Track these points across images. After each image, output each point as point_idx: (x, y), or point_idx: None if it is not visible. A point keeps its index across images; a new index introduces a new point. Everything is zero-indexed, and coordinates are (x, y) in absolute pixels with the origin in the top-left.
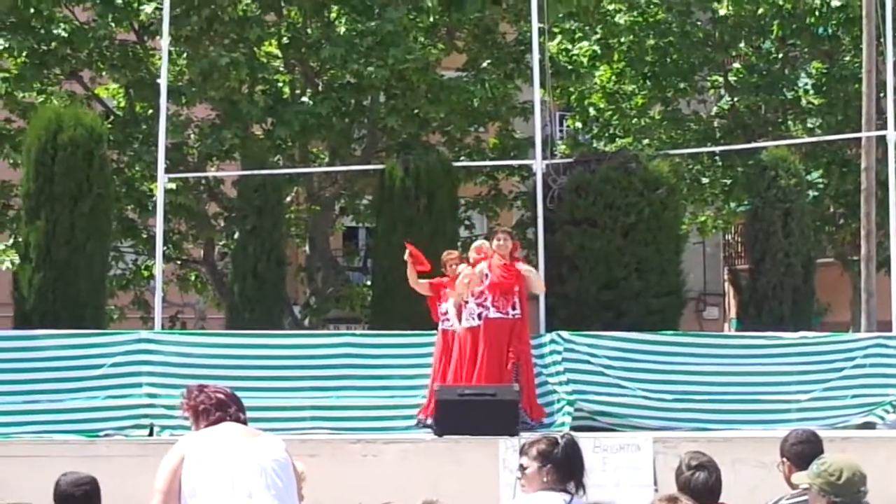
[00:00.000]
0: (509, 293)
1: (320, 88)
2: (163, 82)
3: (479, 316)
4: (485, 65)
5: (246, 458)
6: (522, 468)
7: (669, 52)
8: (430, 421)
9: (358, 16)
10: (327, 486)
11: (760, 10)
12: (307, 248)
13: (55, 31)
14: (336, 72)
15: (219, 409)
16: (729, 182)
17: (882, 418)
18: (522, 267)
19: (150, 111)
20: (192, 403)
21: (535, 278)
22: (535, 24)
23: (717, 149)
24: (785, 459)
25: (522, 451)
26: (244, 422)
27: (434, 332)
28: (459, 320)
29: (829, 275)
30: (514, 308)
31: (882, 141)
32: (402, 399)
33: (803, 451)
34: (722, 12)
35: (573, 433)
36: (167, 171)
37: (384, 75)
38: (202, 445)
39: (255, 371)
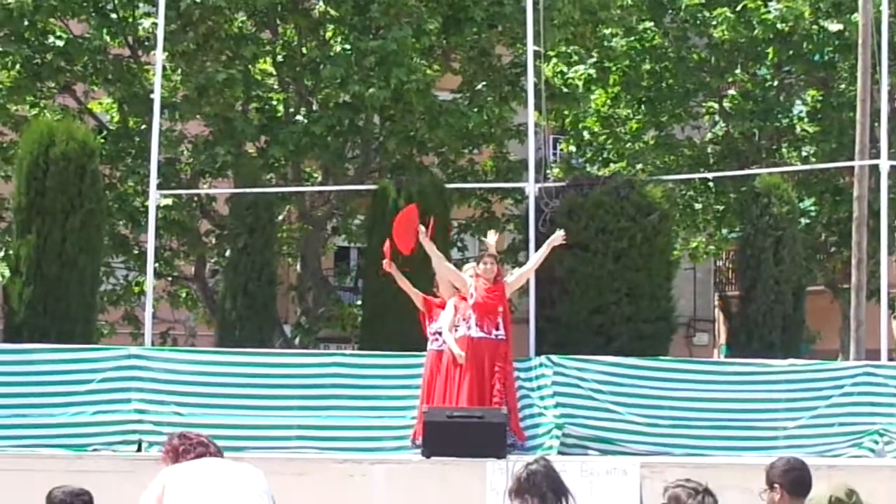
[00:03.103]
0: (493, 314)
1: (315, 108)
2: (156, 97)
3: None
4: (480, 87)
5: (228, 484)
6: None
7: (665, 77)
8: (419, 442)
9: (359, 34)
10: None
11: (756, 32)
12: (299, 267)
13: (50, 42)
14: (331, 91)
15: (199, 447)
16: (721, 208)
17: (872, 450)
18: (507, 280)
19: (144, 126)
20: (172, 447)
21: (520, 274)
22: (531, 47)
23: (711, 175)
24: (777, 486)
25: (507, 496)
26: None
27: (424, 353)
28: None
29: (820, 303)
30: (497, 329)
31: (875, 170)
32: (390, 420)
33: (798, 477)
34: (718, 36)
35: (545, 456)
36: (160, 186)
37: (384, 96)
38: (184, 475)
39: (245, 389)
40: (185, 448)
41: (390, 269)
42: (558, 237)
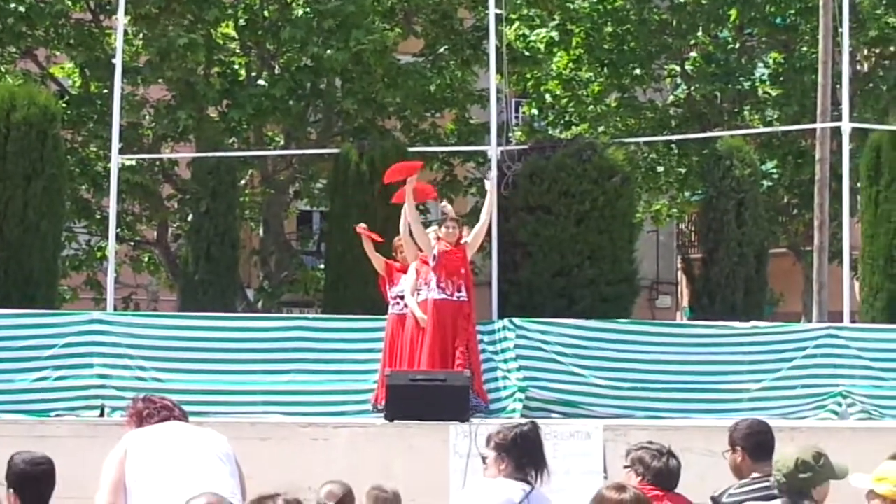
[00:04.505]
0: (455, 275)
1: (277, 71)
2: (118, 61)
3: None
4: (442, 50)
5: (191, 447)
6: (484, 458)
7: (627, 40)
8: (378, 407)
9: None
10: (277, 469)
11: None
12: (261, 231)
13: (11, 7)
14: (293, 55)
15: (163, 410)
16: (684, 171)
17: (835, 413)
18: (466, 241)
19: (105, 91)
20: (136, 410)
21: (476, 233)
22: (493, 11)
23: (673, 137)
24: (739, 448)
25: (486, 441)
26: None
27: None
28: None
29: (782, 265)
30: (459, 291)
31: (837, 132)
32: (354, 384)
33: (760, 441)
34: None
35: (536, 421)
36: (122, 151)
37: (344, 58)
38: (146, 439)
39: (208, 353)
40: (150, 412)
41: (363, 231)
42: (488, 185)
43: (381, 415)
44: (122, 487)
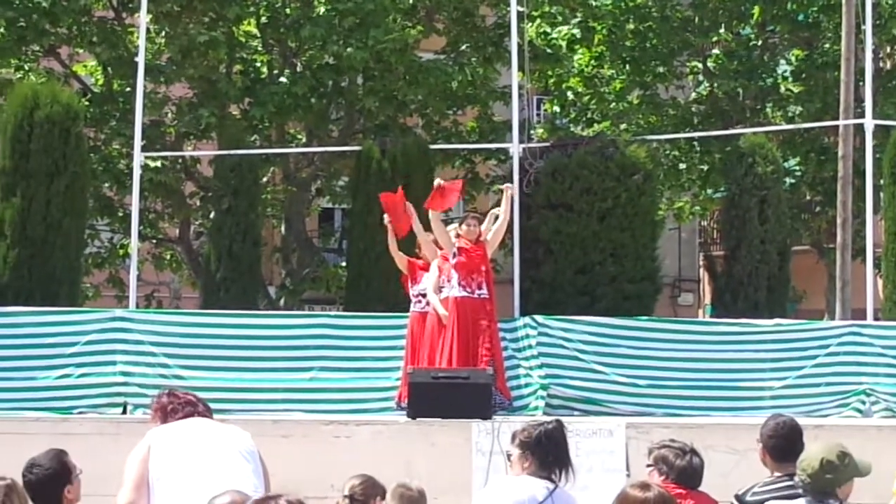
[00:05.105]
0: (476, 272)
1: (298, 69)
2: (140, 59)
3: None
4: (464, 48)
5: (214, 444)
6: (508, 455)
7: (649, 37)
8: (403, 405)
9: None
10: (299, 467)
11: None
12: (283, 228)
13: (34, 4)
14: (315, 52)
15: (187, 406)
16: (706, 168)
17: (859, 410)
18: (486, 239)
19: (128, 88)
20: (160, 405)
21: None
22: (515, 8)
23: (695, 135)
24: (763, 447)
25: (511, 439)
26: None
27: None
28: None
29: (805, 262)
30: (480, 288)
31: (859, 129)
32: (376, 381)
33: (780, 445)
34: None
35: (561, 419)
36: (144, 149)
37: (363, 56)
38: (170, 435)
39: (230, 351)
40: (174, 407)
41: (390, 224)
42: (509, 189)
43: (404, 412)
44: (146, 485)
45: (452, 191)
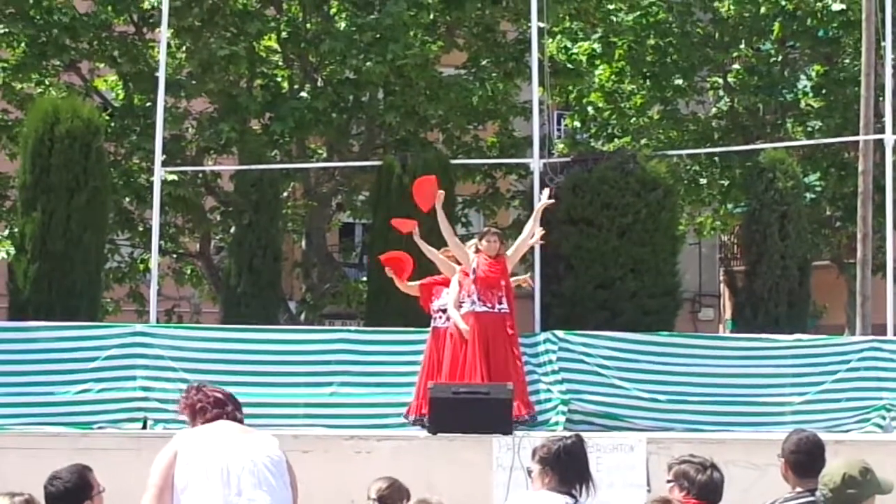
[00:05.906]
0: (495, 287)
1: (319, 84)
2: (161, 74)
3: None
4: (484, 63)
5: (239, 454)
6: (529, 471)
7: (669, 52)
8: (412, 419)
9: (358, 11)
10: (320, 482)
11: (762, 10)
12: (303, 243)
13: (55, 20)
14: (335, 67)
15: (216, 406)
16: (726, 183)
17: (879, 426)
18: (507, 254)
19: (149, 103)
20: (190, 402)
21: (518, 245)
22: (535, 24)
23: (716, 150)
24: (784, 461)
25: (532, 454)
26: (240, 420)
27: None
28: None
29: (825, 278)
30: (500, 303)
31: (880, 144)
32: (396, 396)
33: (801, 461)
34: (723, 11)
35: (581, 434)
36: (164, 163)
37: (383, 71)
38: (196, 441)
39: (250, 366)
40: (203, 406)
41: (390, 272)
42: (545, 199)
43: (417, 427)
44: (170, 489)
45: (423, 184)
